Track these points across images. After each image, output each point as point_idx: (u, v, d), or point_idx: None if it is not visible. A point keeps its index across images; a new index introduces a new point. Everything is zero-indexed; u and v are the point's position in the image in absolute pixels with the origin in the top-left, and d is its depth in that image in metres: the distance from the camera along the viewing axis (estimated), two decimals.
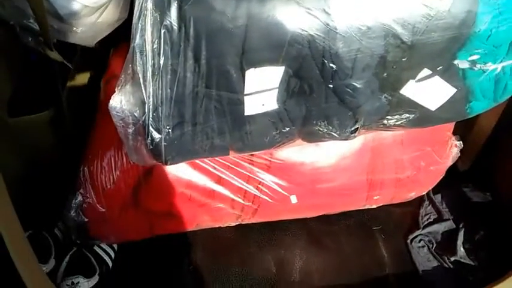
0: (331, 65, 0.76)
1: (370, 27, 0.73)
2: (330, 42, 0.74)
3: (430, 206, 1.28)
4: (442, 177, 1.22)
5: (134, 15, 0.75)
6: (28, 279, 0.71)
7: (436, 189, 1.29)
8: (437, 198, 1.30)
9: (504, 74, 0.84)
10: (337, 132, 0.87)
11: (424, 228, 1.22)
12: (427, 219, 1.24)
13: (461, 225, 1.21)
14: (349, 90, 0.80)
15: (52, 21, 0.88)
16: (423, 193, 1.24)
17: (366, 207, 1.18)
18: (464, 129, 1.28)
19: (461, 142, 1.18)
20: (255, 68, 0.76)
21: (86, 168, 0.98)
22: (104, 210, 0.99)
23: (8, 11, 0.86)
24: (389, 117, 0.87)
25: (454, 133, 1.18)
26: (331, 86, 0.80)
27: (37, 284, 0.76)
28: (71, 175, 0.99)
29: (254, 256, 1.13)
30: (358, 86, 0.80)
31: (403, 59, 0.78)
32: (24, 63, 0.96)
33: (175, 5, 0.71)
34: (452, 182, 1.31)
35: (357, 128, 0.87)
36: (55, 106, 0.96)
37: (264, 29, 0.72)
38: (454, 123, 1.13)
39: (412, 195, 1.19)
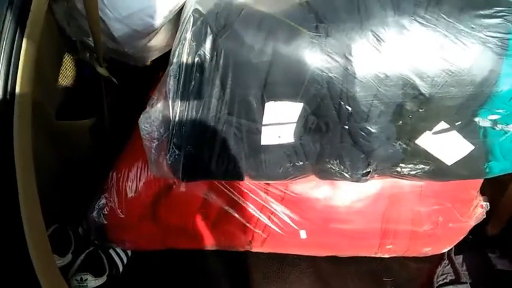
0: (347, 107, 0.80)
1: (388, 76, 0.76)
2: (348, 86, 0.78)
3: (449, 266, 1.23)
4: (464, 237, 1.18)
5: (174, 42, 0.84)
6: (40, 270, 0.76)
7: (458, 250, 1.24)
8: (458, 259, 1.24)
9: None
10: (349, 173, 0.89)
11: (438, 287, 1.17)
12: (443, 279, 1.19)
13: None
14: (363, 133, 0.83)
15: (107, 42, 0.99)
16: (441, 251, 1.19)
17: (378, 256, 1.16)
18: (496, 191, 1.24)
19: (488, 204, 1.14)
20: (275, 101, 0.81)
21: (114, 174, 1.06)
22: (123, 216, 1.05)
23: (72, 29, 0.98)
24: (403, 165, 0.88)
25: (485, 194, 1.15)
26: (347, 127, 0.83)
27: (48, 276, 0.81)
28: (100, 180, 1.08)
29: (258, 285, 1.14)
30: (373, 130, 0.82)
31: (420, 110, 0.80)
32: (78, 74, 1.07)
33: (211, 37, 0.79)
34: (477, 245, 1.26)
35: (369, 171, 0.88)
36: (97, 116, 1.06)
37: (286, 66, 0.78)
38: (481, 182, 1.11)
39: (428, 250, 1.15)
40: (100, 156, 1.12)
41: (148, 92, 1.21)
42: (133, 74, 1.17)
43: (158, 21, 0.92)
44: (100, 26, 0.91)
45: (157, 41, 1.05)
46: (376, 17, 0.75)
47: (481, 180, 1.10)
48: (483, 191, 1.15)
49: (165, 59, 1.11)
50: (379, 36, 0.75)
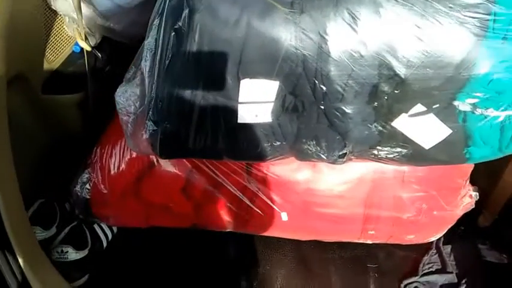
0: (321, 86, 0.78)
1: (363, 56, 0.75)
2: (322, 65, 0.76)
3: (437, 255, 1.21)
4: (453, 227, 1.16)
5: (152, 15, 0.84)
6: (15, 240, 0.78)
7: (447, 240, 1.22)
8: (447, 249, 1.22)
9: (510, 123, 0.80)
10: (325, 154, 0.87)
11: (422, 276, 1.16)
12: (429, 268, 1.18)
13: (463, 281, 1.13)
14: (338, 113, 0.81)
15: (95, 18, 1.00)
16: (427, 239, 1.17)
17: (361, 241, 1.15)
18: (489, 182, 1.21)
19: (477, 194, 1.11)
20: (250, 78, 0.81)
21: (98, 150, 1.08)
22: (106, 192, 1.07)
23: (58, 3, 0.99)
24: (380, 148, 0.86)
25: (476, 184, 1.12)
26: (322, 107, 0.82)
27: (25, 245, 0.83)
28: (85, 154, 1.09)
29: (238, 266, 1.15)
30: (348, 111, 0.80)
31: (396, 91, 0.78)
32: (68, 51, 1.08)
33: (187, 11, 0.78)
34: (468, 236, 1.24)
35: (345, 153, 0.87)
36: (83, 91, 1.07)
37: (261, 42, 0.77)
38: (469, 171, 1.08)
39: (412, 238, 1.14)
40: (86, 131, 1.13)
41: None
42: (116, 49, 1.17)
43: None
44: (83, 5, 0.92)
45: (144, 16, 1.04)
46: None
47: (470, 169, 1.08)
48: (475, 181, 1.12)
49: None
50: (354, 15, 0.73)
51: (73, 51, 1.13)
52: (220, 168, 1.07)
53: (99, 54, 1.05)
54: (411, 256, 1.22)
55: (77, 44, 1.11)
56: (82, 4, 0.95)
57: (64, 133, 1.12)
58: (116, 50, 1.13)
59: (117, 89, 0.86)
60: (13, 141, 0.85)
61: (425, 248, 1.22)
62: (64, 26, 1.10)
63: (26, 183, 0.87)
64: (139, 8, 0.99)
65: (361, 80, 0.77)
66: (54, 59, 1.07)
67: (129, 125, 0.87)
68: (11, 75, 0.86)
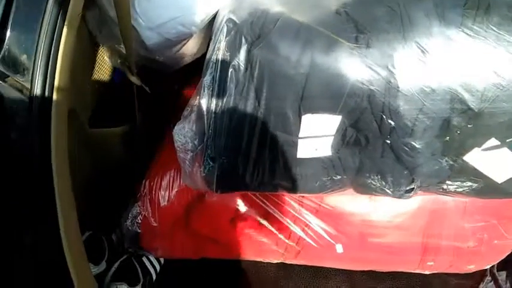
0: (389, 121, 0.75)
1: (435, 90, 0.72)
2: (391, 99, 0.73)
3: (492, 282, 1.16)
4: (508, 253, 1.11)
5: (208, 52, 0.82)
6: (76, 277, 0.77)
7: (501, 266, 1.17)
8: (502, 275, 1.17)
9: None
10: (391, 189, 0.84)
11: None
12: None
13: None
14: (407, 148, 0.78)
15: (138, 49, 0.99)
16: (484, 267, 1.13)
17: (418, 272, 1.11)
18: None
19: None
20: (312, 113, 0.78)
21: (147, 183, 1.06)
22: (156, 224, 1.05)
23: (104, 36, 0.98)
24: (449, 182, 0.83)
25: None
26: (389, 141, 0.79)
27: (84, 283, 0.82)
28: (133, 187, 1.08)
29: None
30: (417, 146, 0.77)
31: (469, 126, 0.74)
32: (109, 82, 1.07)
33: (245, 47, 0.77)
34: None
35: (413, 188, 0.83)
36: (130, 123, 1.06)
37: (324, 78, 0.74)
38: None
39: (472, 267, 1.09)
40: (133, 163, 1.12)
41: (180, 99, 1.20)
42: (165, 80, 1.16)
43: (190, 30, 0.90)
44: (132, 34, 0.90)
45: (189, 48, 1.03)
46: (420, 27, 0.70)
47: None
48: None
49: (196, 64, 1.10)
50: (423, 48, 0.70)
51: (113, 82, 1.12)
52: (270, 198, 1.05)
53: (147, 88, 1.04)
54: (467, 284, 1.17)
55: (116, 74, 1.11)
56: None
57: (110, 165, 1.11)
58: (158, 79, 1.13)
59: (175, 127, 0.85)
60: None
61: (480, 275, 1.17)
62: (105, 57, 1.09)
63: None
64: (187, 39, 0.97)
65: (432, 114, 0.74)
66: (97, 91, 1.06)
67: (187, 162, 0.86)
68: (69, 107, 0.85)
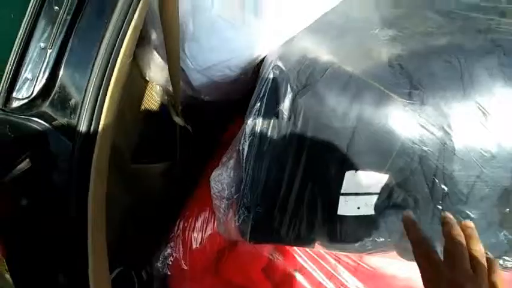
0: (442, 186, 0.69)
1: (495, 156, 0.65)
2: (445, 163, 0.67)
3: None
4: None
5: (252, 97, 0.80)
6: None
7: None
8: None
9: None
10: None
11: None
12: None
13: None
14: (460, 217, 0.71)
15: (186, 89, 0.99)
16: None
17: None
18: None
19: None
20: (356, 170, 0.73)
21: (181, 223, 1.04)
22: (186, 268, 1.02)
23: (154, 75, 1.00)
24: (507, 258, 0.74)
25: None
26: (440, 207, 0.72)
27: None
28: (167, 226, 1.06)
29: None
30: (472, 215, 0.70)
31: None
32: (156, 118, 1.08)
33: (290, 96, 0.74)
34: None
35: None
36: (170, 160, 1.05)
37: (372, 134, 0.70)
38: None
39: None
40: (170, 201, 1.11)
41: (221, 141, 1.18)
42: (208, 120, 1.15)
43: (237, 73, 0.90)
44: (179, 74, 0.91)
45: (236, 89, 1.02)
46: (482, 86, 0.65)
47: None
48: None
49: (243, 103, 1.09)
50: (485, 109, 0.64)
51: (160, 118, 1.13)
52: (306, 251, 0.99)
53: (190, 128, 1.03)
54: None
55: (164, 110, 1.11)
56: None
57: (148, 201, 1.11)
58: (201, 118, 1.12)
59: (213, 173, 0.83)
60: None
61: None
62: (153, 93, 1.10)
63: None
64: (234, 81, 0.96)
65: (491, 182, 0.67)
66: (143, 127, 1.07)
67: (221, 210, 0.83)
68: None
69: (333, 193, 0.77)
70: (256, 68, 0.94)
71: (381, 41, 0.76)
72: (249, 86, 1.05)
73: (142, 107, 1.07)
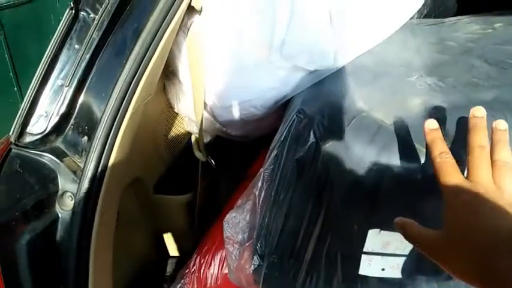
0: None
1: None
2: None
3: None
4: None
5: (273, 141, 0.76)
6: None
7: None
8: None
9: None
10: None
11: None
12: None
13: None
14: None
15: (213, 122, 0.97)
16: None
17: None
18: None
19: None
20: (382, 228, 0.67)
21: (197, 259, 1.01)
22: None
23: (181, 106, 0.99)
24: None
25: None
26: None
27: None
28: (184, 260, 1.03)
29: None
30: None
31: None
32: (183, 148, 1.07)
33: (313, 143, 0.69)
34: None
35: None
36: (192, 193, 1.03)
37: (400, 191, 0.63)
38: None
39: None
40: (189, 235, 1.08)
41: (245, 175, 1.15)
42: (233, 156, 1.13)
43: (263, 111, 0.86)
44: (202, 110, 0.89)
45: (261, 126, 0.99)
46: None
47: None
48: None
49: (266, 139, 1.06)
50: None
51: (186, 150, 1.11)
52: None
53: (213, 163, 1.01)
54: None
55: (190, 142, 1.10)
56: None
57: (167, 232, 1.09)
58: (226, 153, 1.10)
59: (227, 215, 0.79)
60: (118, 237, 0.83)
61: None
62: (183, 123, 1.10)
63: (125, 278, 0.83)
64: (261, 118, 0.93)
65: None
66: (169, 157, 1.06)
67: (233, 257, 0.78)
68: (126, 183, 0.85)
69: (355, 250, 0.70)
70: (284, 106, 0.90)
71: (418, 90, 0.69)
72: (278, 122, 1.02)
73: (170, 138, 1.06)
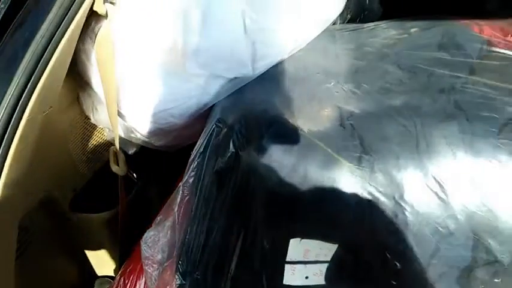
0: (395, 262, 0.61)
1: (453, 233, 0.58)
2: (397, 237, 0.60)
3: None
4: None
5: (193, 152, 0.73)
6: None
7: None
8: None
9: None
10: None
11: None
12: None
13: None
14: None
15: (130, 135, 0.92)
16: None
17: None
18: None
19: None
20: (302, 238, 0.66)
21: (121, 280, 0.94)
22: None
23: (97, 118, 0.92)
24: None
25: None
26: (395, 282, 0.64)
27: None
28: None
29: None
30: None
31: (496, 280, 0.59)
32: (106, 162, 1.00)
33: (233, 153, 0.67)
34: None
35: None
36: (113, 210, 0.97)
37: (317, 200, 0.62)
38: None
39: None
40: (115, 248, 1.01)
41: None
42: (164, 164, 1.08)
43: (184, 121, 0.82)
44: (123, 121, 0.84)
45: (183, 136, 0.95)
46: (440, 155, 0.58)
47: None
48: None
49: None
50: (442, 181, 0.57)
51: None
52: None
53: (134, 176, 0.95)
54: None
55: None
56: (121, 123, 0.88)
57: (91, 251, 1.01)
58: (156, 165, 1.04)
59: (145, 234, 0.74)
60: (38, 260, 0.74)
61: None
62: (105, 134, 1.03)
63: None
64: (183, 128, 0.89)
65: (449, 261, 0.59)
66: (89, 171, 0.98)
67: (152, 279, 0.73)
68: (34, 201, 0.77)
69: (279, 261, 0.69)
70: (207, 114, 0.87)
71: (335, 97, 0.69)
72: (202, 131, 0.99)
73: (89, 152, 0.99)
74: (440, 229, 0.58)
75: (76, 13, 0.55)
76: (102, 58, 0.70)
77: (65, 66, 0.59)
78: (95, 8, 0.62)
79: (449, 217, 0.57)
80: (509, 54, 0.65)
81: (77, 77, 0.84)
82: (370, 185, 0.59)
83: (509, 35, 0.68)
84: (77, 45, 0.71)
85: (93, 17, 0.69)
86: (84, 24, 0.68)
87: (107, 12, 0.64)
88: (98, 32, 0.70)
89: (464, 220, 0.57)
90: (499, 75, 0.63)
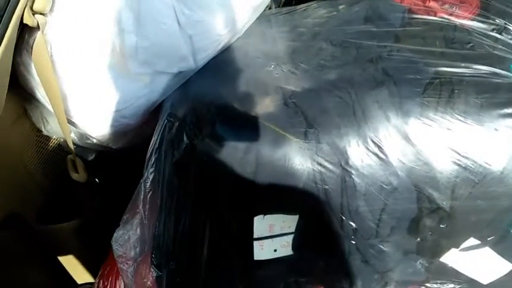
0: (350, 222, 0.66)
1: (396, 188, 0.63)
2: (349, 199, 0.65)
3: None
4: None
5: (149, 149, 0.74)
6: None
7: None
8: None
9: None
10: None
11: None
12: None
13: None
14: (373, 251, 0.68)
15: (84, 140, 0.92)
16: None
17: None
18: None
19: None
20: (265, 214, 0.69)
21: (100, 282, 0.96)
22: None
23: (49, 129, 0.92)
24: (429, 285, 0.72)
25: None
26: (354, 242, 0.69)
27: None
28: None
29: None
30: (385, 248, 0.68)
31: (442, 226, 0.65)
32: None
33: (187, 144, 0.69)
34: None
35: None
36: (80, 218, 0.97)
37: (273, 177, 0.66)
38: None
39: None
40: (88, 258, 1.02)
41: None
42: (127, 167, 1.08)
43: (136, 120, 0.83)
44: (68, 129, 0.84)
45: (137, 137, 0.95)
46: (374, 119, 0.62)
47: None
48: None
49: None
50: (380, 142, 0.62)
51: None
52: None
53: (96, 181, 0.96)
54: None
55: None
56: (75, 131, 0.88)
57: (65, 260, 1.02)
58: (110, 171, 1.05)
59: (114, 234, 0.76)
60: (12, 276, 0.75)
61: None
62: (58, 147, 1.02)
63: None
64: (139, 128, 0.90)
65: (397, 214, 0.65)
66: (50, 183, 0.98)
67: (128, 275, 0.76)
68: None
69: (247, 239, 0.73)
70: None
71: (276, 78, 0.73)
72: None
73: (47, 164, 0.98)
74: (385, 186, 0.63)
75: (7, 27, 0.55)
76: (41, 69, 0.70)
77: (4, 82, 0.59)
78: (24, 21, 0.62)
79: (391, 174, 0.62)
80: (429, 19, 0.70)
81: (21, 90, 0.83)
82: (318, 156, 0.64)
83: (428, 1, 0.73)
84: (14, 58, 0.70)
85: (26, 29, 0.68)
86: (18, 38, 0.68)
87: (38, 23, 0.64)
88: (33, 43, 0.69)
89: (404, 175, 0.62)
90: (422, 40, 0.68)
